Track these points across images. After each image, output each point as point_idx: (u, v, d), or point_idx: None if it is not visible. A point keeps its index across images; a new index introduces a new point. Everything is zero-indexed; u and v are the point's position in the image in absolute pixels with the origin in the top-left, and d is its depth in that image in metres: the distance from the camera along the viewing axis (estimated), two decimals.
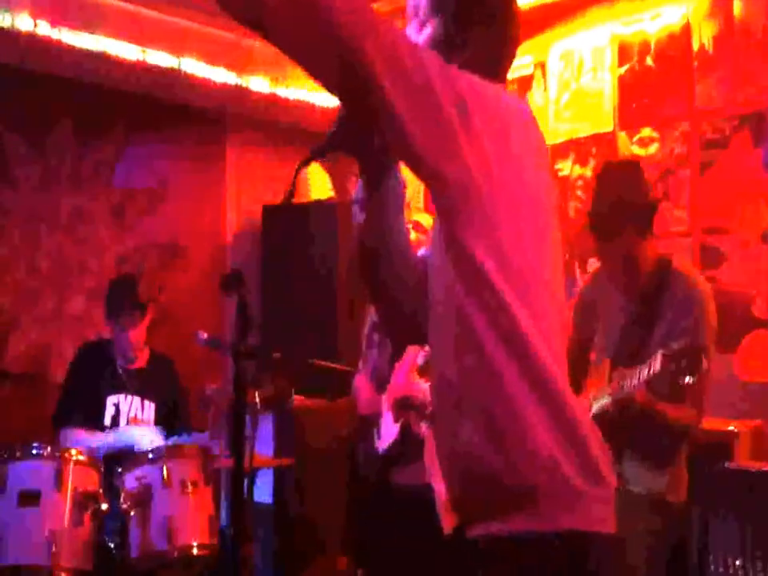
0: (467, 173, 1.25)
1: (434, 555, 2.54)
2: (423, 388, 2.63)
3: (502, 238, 1.29)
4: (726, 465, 2.73)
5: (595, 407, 2.23)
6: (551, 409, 1.29)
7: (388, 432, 2.77)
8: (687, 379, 2.03)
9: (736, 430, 2.95)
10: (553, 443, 1.27)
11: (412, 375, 2.72)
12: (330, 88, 1.27)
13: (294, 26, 1.19)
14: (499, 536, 1.30)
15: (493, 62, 1.43)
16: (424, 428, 2.65)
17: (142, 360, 3.37)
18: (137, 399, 3.29)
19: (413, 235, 2.61)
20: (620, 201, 2.31)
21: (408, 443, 2.71)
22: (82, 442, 3.04)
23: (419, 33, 1.43)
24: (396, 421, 2.74)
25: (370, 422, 2.84)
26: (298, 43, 1.21)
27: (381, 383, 2.77)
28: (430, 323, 1.42)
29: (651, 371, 2.09)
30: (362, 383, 2.91)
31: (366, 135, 1.37)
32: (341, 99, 1.30)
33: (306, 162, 1.38)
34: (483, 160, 1.26)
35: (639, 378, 2.13)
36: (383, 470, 2.78)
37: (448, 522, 2.49)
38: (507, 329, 1.29)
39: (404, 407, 2.71)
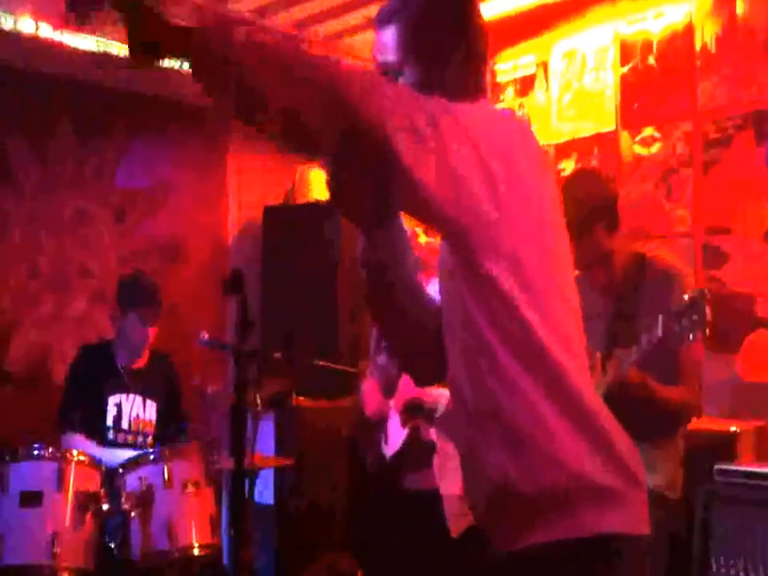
0: (478, 208, 1.26)
1: (438, 560, 2.54)
2: (433, 392, 2.62)
3: (514, 253, 1.29)
4: (729, 465, 2.72)
5: None
6: (575, 418, 1.29)
7: (395, 437, 2.76)
8: (697, 334, 2.03)
9: (738, 431, 2.93)
10: (579, 451, 1.28)
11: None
12: (327, 153, 1.27)
13: (305, 107, 1.20)
14: (536, 546, 1.29)
15: (474, 83, 1.45)
16: (432, 433, 2.63)
17: (143, 360, 3.37)
18: (139, 399, 3.30)
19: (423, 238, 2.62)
20: (584, 200, 2.40)
21: (416, 448, 2.70)
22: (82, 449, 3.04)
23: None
24: (404, 425, 2.73)
25: (377, 427, 2.83)
26: (304, 121, 1.22)
27: (389, 388, 2.76)
28: (447, 344, 1.41)
29: (648, 343, 2.10)
30: (369, 389, 2.90)
31: (361, 194, 1.36)
32: (336, 161, 1.29)
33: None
34: (492, 191, 1.26)
35: (633, 355, 2.15)
36: (391, 475, 2.76)
37: (456, 528, 2.48)
38: (525, 344, 1.29)
39: (413, 411, 2.70)
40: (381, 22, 1.45)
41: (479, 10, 1.48)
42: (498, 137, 1.30)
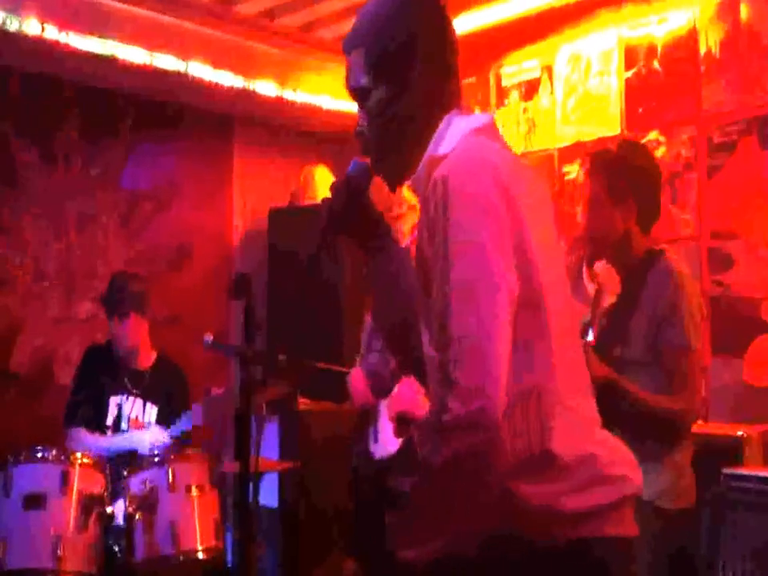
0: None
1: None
2: (426, 404, 2.60)
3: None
4: (736, 470, 2.71)
5: None
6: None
7: (387, 441, 2.75)
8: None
9: (745, 435, 2.92)
10: (579, 456, 1.29)
11: (419, 392, 2.69)
12: None
13: None
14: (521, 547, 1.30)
15: (445, 95, 1.47)
16: None
17: (147, 362, 3.37)
18: (139, 401, 3.30)
19: None
20: (651, 169, 2.43)
21: (409, 458, 2.69)
22: (87, 443, 3.05)
23: (363, 107, 1.47)
24: (397, 435, 2.72)
25: (365, 420, 2.82)
26: None
27: (379, 389, 2.75)
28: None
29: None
30: (356, 375, 2.89)
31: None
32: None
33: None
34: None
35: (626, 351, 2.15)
36: (380, 476, 2.76)
37: None
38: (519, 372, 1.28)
39: (406, 423, 2.69)
40: (347, 46, 1.49)
41: (449, 23, 1.50)
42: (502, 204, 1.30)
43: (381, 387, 2.76)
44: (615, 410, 2.10)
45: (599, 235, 2.40)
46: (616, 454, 1.38)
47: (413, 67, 1.44)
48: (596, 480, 1.31)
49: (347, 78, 1.50)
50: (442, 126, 1.43)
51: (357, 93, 1.48)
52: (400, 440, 2.74)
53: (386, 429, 2.77)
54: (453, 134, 1.41)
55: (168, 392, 3.36)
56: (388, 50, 1.44)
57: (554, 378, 1.32)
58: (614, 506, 1.33)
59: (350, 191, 1.48)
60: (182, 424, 3.12)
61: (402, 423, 2.71)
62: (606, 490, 1.31)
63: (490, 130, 1.46)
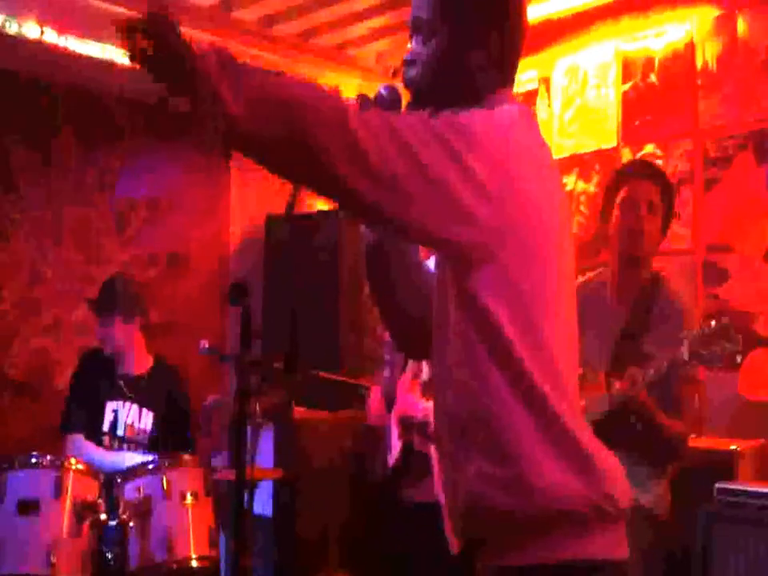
0: (479, 234, 1.24)
1: (439, 571, 2.53)
2: (423, 407, 2.62)
3: (515, 282, 1.28)
4: (729, 484, 2.72)
5: (589, 416, 2.24)
6: (556, 442, 1.28)
7: (395, 448, 2.77)
8: (726, 361, 2.04)
9: (739, 449, 2.93)
10: (559, 475, 1.27)
11: (413, 394, 2.71)
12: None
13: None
14: (510, 567, 1.29)
15: (504, 68, 1.41)
16: (432, 448, 2.63)
17: (143, 367, 3.36)
18: (135, 407, 3.28)
19: None
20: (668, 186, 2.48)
21: (411, 461, 2.70)
22: (85, 454, 3.03)
23: (425, 45, 1.40)
24: (399, 438, 2.74)
25: (381, 436, 2.84)
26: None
27: (390, 401, 2.77)
28: (434, 353, 1.41)
29: (671, 364, 2.10)
30: (375, 396, 2.92)
31: None
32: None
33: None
34: (495, 216, 1.23)
35: (649, 374, 2.15)
36: (391, 484, 2.77)
37: (456, 542, 2.47)
38: (510, 366, 1.28)
39: (406, 426, 2.71)
40: None
41: (524, 7, 1.46)
42: (504, 153, 1.25)
43: (392, 399, 2.77)
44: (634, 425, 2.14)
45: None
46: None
47: (486, 30, 1.37)
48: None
49: (413, 6, 1.41)
50: (488, 99, 1.37)
51: (416, 24, 1.41)
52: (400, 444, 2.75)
53: (394, 438, 2.79)
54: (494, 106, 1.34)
55: (165, 397, 3.35)
56: (469, 2, 1.37)
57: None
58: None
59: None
60: None
61: (402, 427, 2.72)
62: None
63: (529, 117, 1.40)
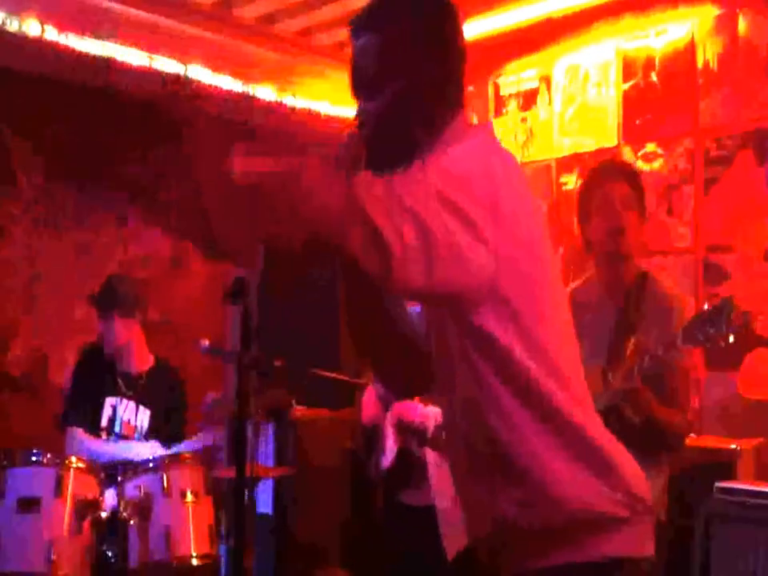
0: (484, 279, 1.25)
1: (436, 572, 2.54)
2: (424, 412, 2.62)
3: (516, 305, 1.29)
4: (729, 483, 2.72)
5: None
6: (575, 449, 1.29)
7: (390, 451, 2.77)
8: (722, 341, 2.04)
9: (739, 449, 2.93)
10: (579, 482, 1.28)
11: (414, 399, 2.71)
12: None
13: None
14: (538, 569, 1.30)
15: (452, 95, 1.41)
16: (428, 453, 2.63)
17: (143, 365, 3.36)
18: (132, 404, 3.30)
19: None
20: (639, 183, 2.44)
21: (407, 465, 2.70)
22: (84, 446, 3.05)
23: (372, 101, 1.38)
24: (395, 442, 2.73)
25: (373, 436, 2.83)
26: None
27: (387, 403, 2.77)
28: (437, 370, 1.41)
29: (665, 350, 2.11)
30: (368, 396, 2.91)
31: None
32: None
33: None
34: (495, 255, 1.24)
35: (644, 362, 2.15)
36: (387, 487, 2.77)
37: (452, 548, 2.48)
38: (519, 379, 1.29)
39: (404, 431, 2.70)
40: (361, 26, 1.40)
41: (461, 29, 1.44)
42: (486, 187, 1.25)
43: (388, 401, 2.77)
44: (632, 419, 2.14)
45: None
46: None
47: (430, 65, 1.37)
48: None
49: (355, 57, 1.40)
50: (446, 132, 1.38)
51: (358, 84, 1.40)
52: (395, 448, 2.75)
53: (390, 442, 2.78)
54: (458, 137, 1.35)
55: (163, 396, 3.36)
56: (408, 43, 1.36)
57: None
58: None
59: None
60: (185, 446, 3.11)
61: (400, 431, 2.72)
62: None
63: (492, 136, 1.41)
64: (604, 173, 2.50)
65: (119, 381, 3.30)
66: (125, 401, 3.29)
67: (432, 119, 1.38)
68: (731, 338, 2.02)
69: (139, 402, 3.30)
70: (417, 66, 1.37)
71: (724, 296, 2.12)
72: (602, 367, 2.31)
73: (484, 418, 1.31)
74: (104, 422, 3.25)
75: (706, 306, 2.12)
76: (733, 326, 2.03)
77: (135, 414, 3.29)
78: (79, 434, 3.18)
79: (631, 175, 2.47)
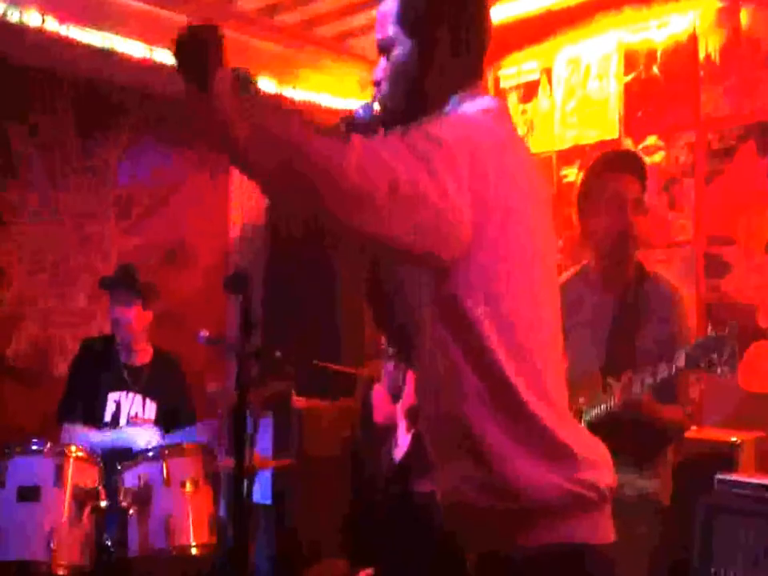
0: (462, 246, 1.26)
1: (447, 562, 2.53)
2: None
3: (491, 282, 1.29)
4: (729, 476, 2.72)
5: (588, 415, 2.24)
6: (531, 439, 1.30)
7: (402, 441, 2.77)
8: (725, 369, 2.03)
9: (739, 441, 2.93)
10: (535, 470, 1.30)
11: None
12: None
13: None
14: (491, 553, 1.34)
15: (469, 69, 1.44)
16: None
17: (145, 357, 3.36)
18: (138, 397, 3.28)
19: None
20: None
21: (421, 452, 2.70)
22: (82, 438, 3.04)
23: (388, 62, 1.43)
24: (408, 430, 2.74)
25: (387, 431, 2.84)
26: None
27: (396, 393, 2.77)
28: (416, 345, 1.42)
29: (669, 373, 2.10)
30: (379, 394, 2.91)
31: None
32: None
33: None
34: (472, 221, 1.25)
35: (647, 381, 2.14)
36: (401, 478, 2.77)
37: None
38: (488, 369, 1.30)
39: (414, 416, 2.71)
40: None
41: (487, 4, 1.48)
42: (477, 158, 1.27)
43: (398, 391, 2.78)
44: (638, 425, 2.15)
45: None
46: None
47: (448, 31, 1.40)
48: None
49: (377, 29, 1.45)
50: (450, 104, 1.40)
51: (381, 47, 1.44)
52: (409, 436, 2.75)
53: (402, 432, 2.79)
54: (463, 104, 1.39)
55: (167, 387, 3.35)
56: (427, 6, 1.39)
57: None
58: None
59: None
60: (184, 435, 3.10)
61: (412, 418, 2.72)
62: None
63: (498, 113, 1.42)
64: (612, 164, 2.44)
65: (124, 373, 3.28)
66: (130, 394, 3.27)
67: (439, 83, 1.40)
68: (729, 373, 2.03)
69: (145, 394, 3.29)
70: (431, 26, 1.39)
71: (731, 323, 2.11)
72: (601, 366, 2.31)
73: (448, 396, 1.33)
74: (107, 418, 3.23)
75: (709, 331, 2.11)
76: (735, 360, 2.03)
77: (143, 408, 3.28)
78: (75, 427, 3.14)
79: (640, 168, 2.43)
